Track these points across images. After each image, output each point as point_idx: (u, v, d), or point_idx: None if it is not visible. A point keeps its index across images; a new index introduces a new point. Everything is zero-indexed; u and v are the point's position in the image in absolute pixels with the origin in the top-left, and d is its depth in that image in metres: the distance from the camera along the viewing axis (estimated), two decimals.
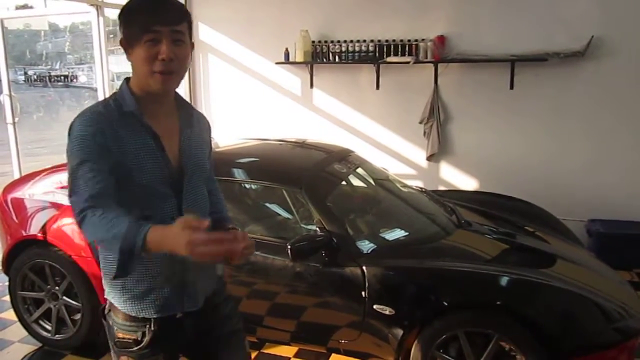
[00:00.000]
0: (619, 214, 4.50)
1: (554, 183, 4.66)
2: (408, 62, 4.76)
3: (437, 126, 4.89)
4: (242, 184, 3.37)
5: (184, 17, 1.47)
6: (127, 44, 1.46)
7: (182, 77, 1.52)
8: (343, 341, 2.74)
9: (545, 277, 2.62)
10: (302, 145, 3.68)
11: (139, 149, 1.46)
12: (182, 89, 5.80)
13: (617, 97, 4.44)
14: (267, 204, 3.36)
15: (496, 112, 4.80)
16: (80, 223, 1.34)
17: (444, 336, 2.49)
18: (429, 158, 5.04)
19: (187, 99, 5.77)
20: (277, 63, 5.33)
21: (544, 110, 4.65)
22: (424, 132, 4.98)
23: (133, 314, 1.56)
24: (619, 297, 2.64)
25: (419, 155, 5.11)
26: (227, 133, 4.91)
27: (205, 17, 5.61)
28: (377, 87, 5.04)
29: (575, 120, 4.58)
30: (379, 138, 5.21)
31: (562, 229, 3.50)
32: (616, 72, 4.39)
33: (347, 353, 2.80)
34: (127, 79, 1.53)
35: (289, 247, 2.50)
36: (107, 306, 1.64)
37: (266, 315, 2.85)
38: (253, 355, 3.13)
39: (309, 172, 3.13)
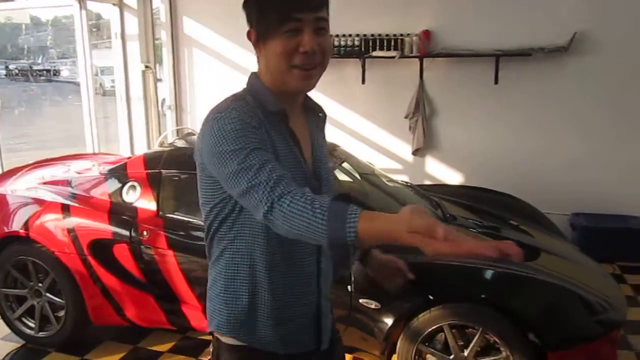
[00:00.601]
0: (602, 207, 4.55)
1: (538, 177, 4.70)
2: (394, 57, 4.76)
3: (422, 121, 4.90)
4: None
5: (326, 1, 1.25)
6: (260, 37, 1.24)
7: (322, 73, 1.28)
8: None
9: (529, 270, 2.64)
10: None
11: (284, 152, 1.27)
12: (167, 86, 5.73)
13: (600, 92, 4.48)
14: None
15: (481, 107, 4.82)
16: (268, 216, 1.10)
17: (429, 330, 2.51)
18: (414, 152, 5.05)
19: (172, 95, 5.73)
20: None
21: (528, 104, 4.68)
22: (410, 127, 4.99)
23: (257, 347, 1.33)
24: (602, 289, 2.67)
25: (405, 150, 5.12)
26: None
27: (190, 10, 5.55)
28: (363, 81, 5.02)
29: (559, 115, 4.61)
30: (364, 132, 5.21)
31: (546, 223, 3.53)
32: (599, 67, 4.44)
33: None
34: (255, 74, 1.32)
35: None
36: (216, 346, 1.37)
37: None
38: None
39: None
